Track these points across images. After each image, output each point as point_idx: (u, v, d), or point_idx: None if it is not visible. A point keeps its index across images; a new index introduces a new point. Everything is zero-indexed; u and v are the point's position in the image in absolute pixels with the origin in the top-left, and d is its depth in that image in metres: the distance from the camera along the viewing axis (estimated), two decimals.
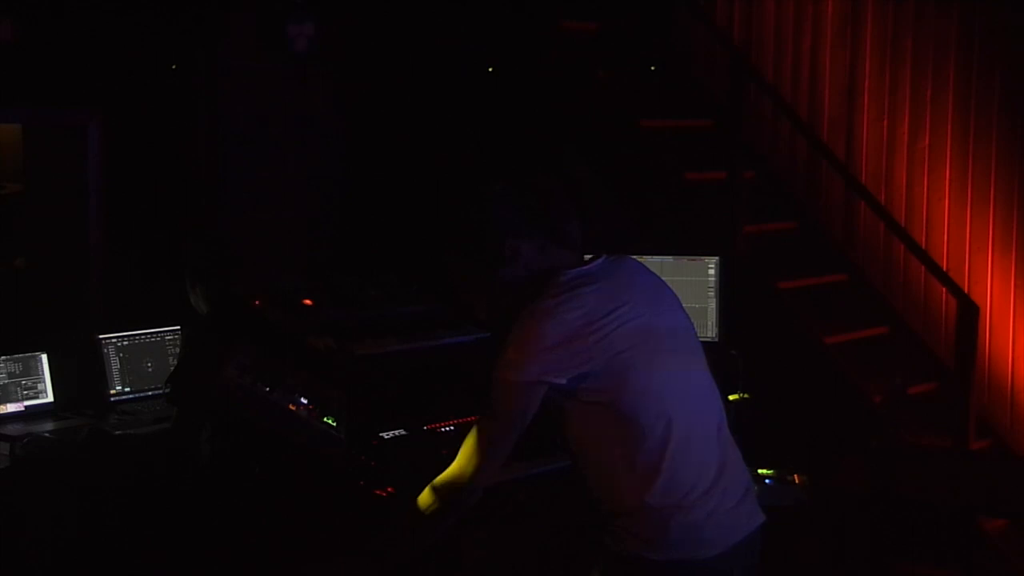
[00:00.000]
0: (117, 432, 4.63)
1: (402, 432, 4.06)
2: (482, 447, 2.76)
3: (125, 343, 5.10)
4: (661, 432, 2.71)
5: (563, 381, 2.69)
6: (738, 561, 2.77)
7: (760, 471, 4.36)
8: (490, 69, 6.70)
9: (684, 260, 5.28)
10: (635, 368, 2.70)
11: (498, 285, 2.84)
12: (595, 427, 2.75)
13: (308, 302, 4.40)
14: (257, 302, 4.34)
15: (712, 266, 5.29)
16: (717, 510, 2.73)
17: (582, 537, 3.69)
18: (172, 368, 4.78)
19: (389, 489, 3.64)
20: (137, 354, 5.13)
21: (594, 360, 2.68)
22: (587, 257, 2.87)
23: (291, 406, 3.69)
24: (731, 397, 4.86)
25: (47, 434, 4.56)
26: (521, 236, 2.82)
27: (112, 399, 5.02)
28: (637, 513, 2.72)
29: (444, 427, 4.16)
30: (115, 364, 5.06)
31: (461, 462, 2.81)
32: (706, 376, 2.89)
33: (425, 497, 2.84)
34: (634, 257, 2.95)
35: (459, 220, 2.90)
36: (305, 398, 3.76)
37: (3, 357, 4.86)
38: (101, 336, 5.06)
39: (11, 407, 4.82)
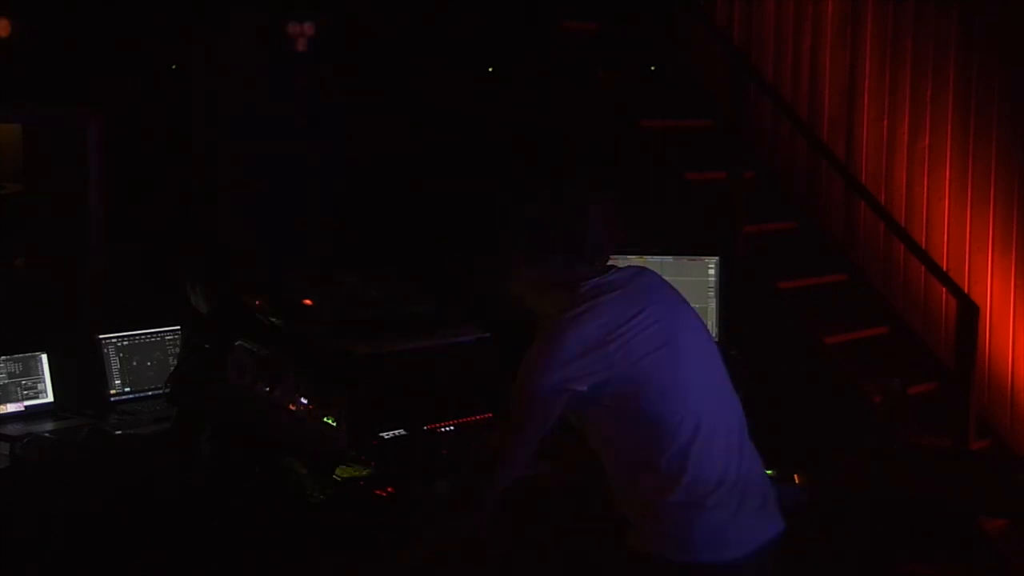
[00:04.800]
0: (117, 432, 4.62)
1: (402, 432, 4.06)
2: (503, 455, 2.78)
3: (125, 343, 5.10)
4: (683, 434, 2.74)
5: (585, 388, 2.73)
6: (759, 566, 2.78)
7: None
8: (490, 69, 6.70)
9: (684, 260, 5.28)
10: (656, 372, 2.75)
11: (523, 287, 2.89)
12: (618, 431, 2.80)
13: (308, 302, 4.40)
14: (257, 302, 4.34)
15: (712, 266, 5.29)
16: (739, 513, 2.76)
17: (597, 537, 3.69)
18: (172, 368, 4.78)
19: (389, 489, 3.64)
20: (137, 354, 5.12)
21: (615, 367, 2.72)
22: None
23: (291, 406, 3.69)
24: None
25: (47, 434, 4.56)
26: (550, 243, 2.85)
27: (112, 399, 5.01)
28: (661, 514, 2.75)
29: (444, 427, 4.16)
30: (115, 364, 5.05)
31: (481, 469, 2.83)
32: (726, 381, 2.92)
33: (443, 502, 2.85)
34: (636, 258, 2.99)
35: (494, 220, 2.93)
36: (305, 398, 3.76)
37: (3, 357, 4.85)
38: (101, 336, 5.06)
39: (11, 407, 4.82)
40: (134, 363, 5.11)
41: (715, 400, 2.83)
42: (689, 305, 2.97)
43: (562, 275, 2.85)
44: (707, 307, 5.23)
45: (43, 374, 4.92)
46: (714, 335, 5.23)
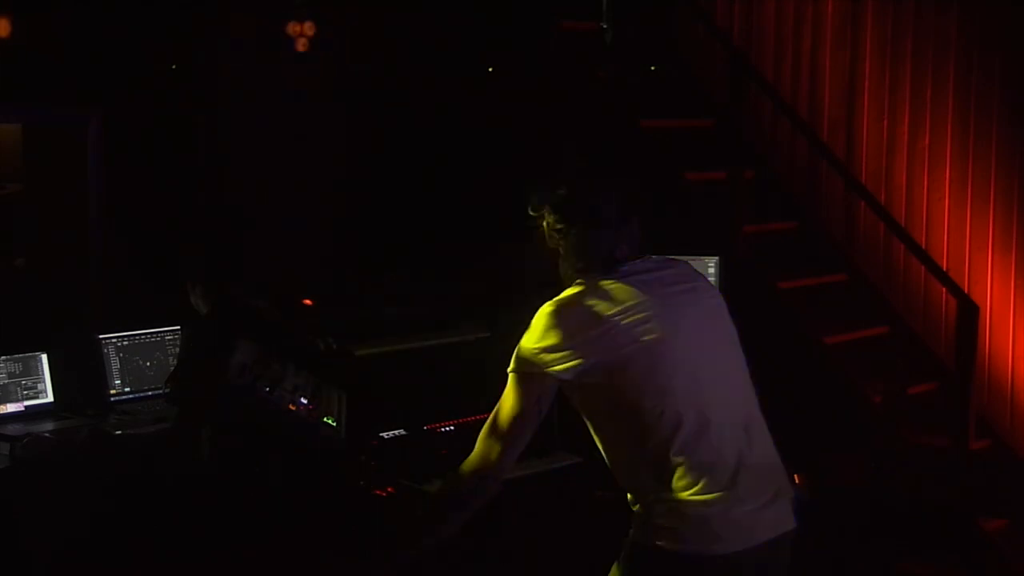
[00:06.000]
0: (117, 432, 4.63)
1: (402, 432, 4.07)
2: (496, 440, 2.84)
3: (125, 343, 5.10)
4: (666, 427, 2.76)
5: (569, 376, 2.78)
6: (757, 563, 2.78)
7: None
8: (490, 69, 6.70)
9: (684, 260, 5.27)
10: (638, 363, 2.77)
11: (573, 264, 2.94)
12: (605, 419, 2.85)
13: (308, 302, 4.40)
14: (257, 302, 4.34)
15: (712, 266, 5.29)
16: (734, 508, 2.76)
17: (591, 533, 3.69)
18: (172, 368, 4.78)
19: (389, 489, 3.64)
20: (137, 354, 5.12)
21: (594, 355, 2.76)
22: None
23: (291, 406, 3.69)
24: None
25: (47, 434, 4.56)
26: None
27: (112, 399, 5.01)
28: (653, 503, 2.78)
29: (444, 427, 4.16)
30: (115, 364, 5.06)
31: (476, 455, 2.87)
32: (737, 379, 2.93)
33: (439, 491, 2.88)
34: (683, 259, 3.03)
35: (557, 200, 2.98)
36: (305, 398, 3.76)
37: (3, 357, 4.85)
38: (101, 336, 5.06)
39: (11, 407, 4.82)
40: (134, 363, 5.11)
41: (714, 398, 2.83)
42: (716, 300, 3.01)
43: (580, 261, 2.91)
44: None
45: (43, 374, 4.92)
46: None
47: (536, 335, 2.80)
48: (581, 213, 2.93)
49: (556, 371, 2.78)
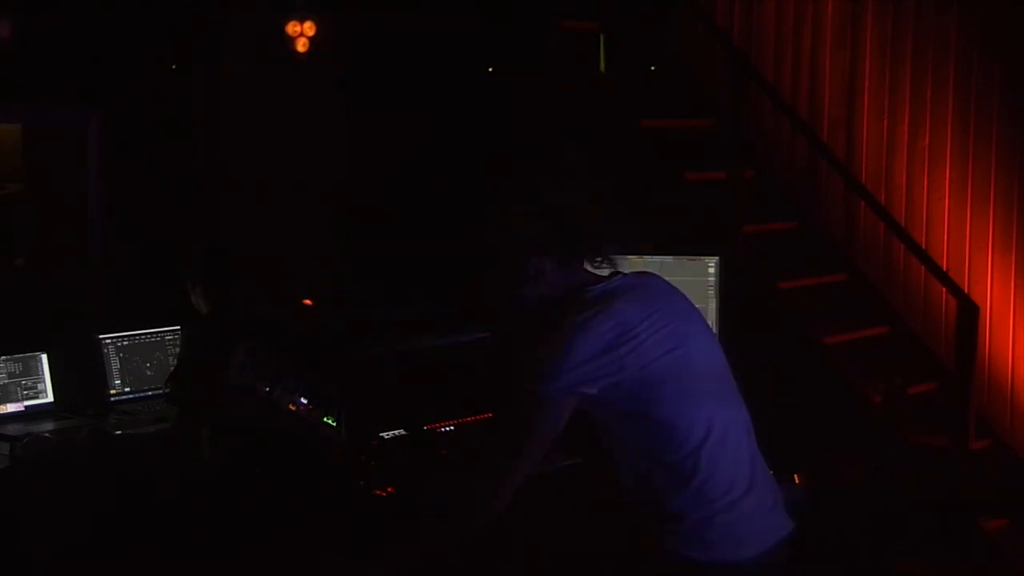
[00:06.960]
0: (117, 432, 4.63)
1: (402, 432, 4.06)
2: (507, 462, 2.68)
3: (125, 343, 5.10)
4: (695, 436, 2.72)
5: (595, 391, 2.67)
6: (774, 564, 2.78)
7: None
8: (490, 69, 6.70)
9: (684, 260, 5.27)
10: (668, 376, 2.71)
11: (522, 305, 2.81)
12: (631, 433, 2.76)
13: (308, 302, 4.40)
14: (257, 302, 4.34)
15: (712, 266, 5.29)
16: (755, 512, 2.76)
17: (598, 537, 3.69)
18: (172, 368, 4.78)
19: (389, 489, 3.64)
20: (137, 354, 5.12)
21: (626, 370, 2.67)
22: (606, 274, 2.85)
23: (291, 406, 3.69)
24: None
25: (47, 434, 4.56)
26: (543, 253, 2.79)
27: (112, 399, 5.02)
28: (678, 514, 2.73)
29: (444, 427, 4.16)
30: (115, 364, 5.06)
31: (481, 475, 2.72)
32: (733, 385, 2.91)
33: (431, 512, 2.82)
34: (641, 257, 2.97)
35: (479, 244, 2.86)
36: (305, 398, 3.76)
37: (3, 357, 4.85)
38: (101, 336, 5.06)
39: (11, 407, 4.82)
40: (134, 363, 5.11)
41: (726, 403, 2.82)
42: (696, 308, 2.95)
43: (563, 281, 2.82)
44: (707, 307, 5.23)
45: (43, 374, 4.93)
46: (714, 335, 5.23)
47: (560, 350, 2.65)
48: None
49: (584, 389, 2.65)
